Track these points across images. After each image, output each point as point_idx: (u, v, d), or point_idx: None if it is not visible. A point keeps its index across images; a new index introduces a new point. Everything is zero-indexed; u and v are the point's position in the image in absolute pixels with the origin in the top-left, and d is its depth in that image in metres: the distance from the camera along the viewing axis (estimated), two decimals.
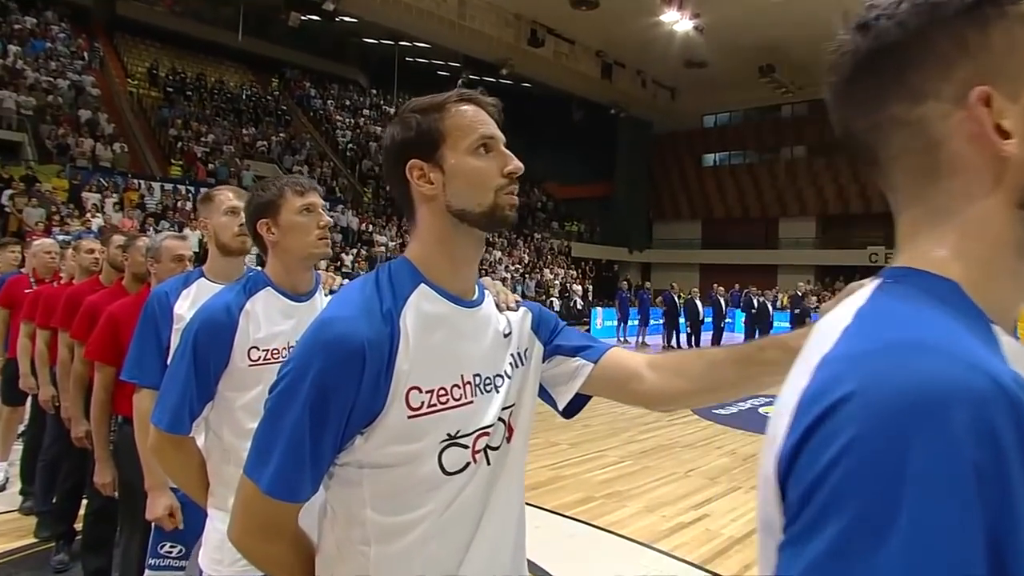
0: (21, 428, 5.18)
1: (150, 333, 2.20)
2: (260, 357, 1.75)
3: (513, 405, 1.20)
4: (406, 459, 1.05)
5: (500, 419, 1.16)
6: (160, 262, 2.67)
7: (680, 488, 5.56)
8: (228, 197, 2.26)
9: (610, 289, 28.89)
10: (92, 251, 3.99)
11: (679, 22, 24.14)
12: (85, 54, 22.97)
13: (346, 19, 25.56)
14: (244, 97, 26.85)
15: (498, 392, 1.17)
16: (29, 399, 4.44)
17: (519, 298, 1.35)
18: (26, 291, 4.71)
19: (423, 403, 1.06)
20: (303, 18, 22.96)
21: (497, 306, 1.26)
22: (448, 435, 1.08)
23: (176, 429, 1.68)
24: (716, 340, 17.21)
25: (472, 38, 24.68)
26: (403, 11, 22.48)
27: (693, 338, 17.69)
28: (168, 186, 18.43)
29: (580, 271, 27.34)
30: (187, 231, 13.59)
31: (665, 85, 32.98)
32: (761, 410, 9.24)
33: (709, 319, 18.19)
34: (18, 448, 4.93)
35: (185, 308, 2.18)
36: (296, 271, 1.85)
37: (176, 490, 2.19)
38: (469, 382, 1.12)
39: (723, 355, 1.22)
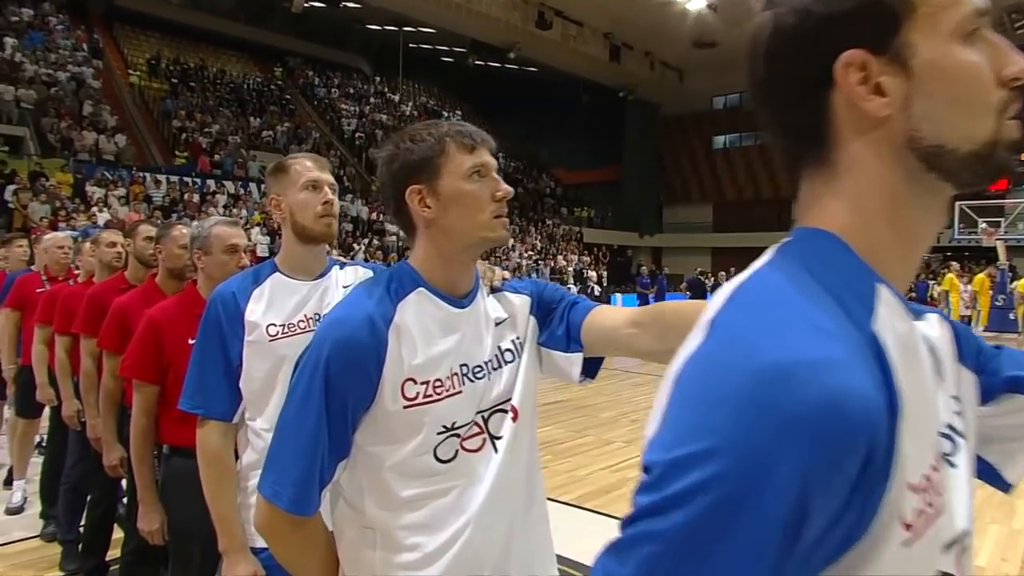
0: (38, 438, 4.74)
1: (214, 348, 1.75)
2: (418, 394, 1.16)
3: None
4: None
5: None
6: (210, 254, 2.20)
7: None
8: (307, 167, 1.80)
9: (624, 274, 28.47)
10: (114, 244, 3.53)
11: (691, 0, 23.61)
12: (84, 46, 22.41)
13: (349, 5, 25.04)
14: (247, 87, 26.31)
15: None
16: (47, 409, 3.98)
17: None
18: (38, 290, 4.26)
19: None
20: (306, 4, 22.43)
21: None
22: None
23: (302, 508, 1.12)
24: None
25: (479, 21, 24.15)
26: None
27: None
28: (174, 178, 17.94)
29: (593, 257, 26.86)
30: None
31: (673, 67, 32.42)
32: None
33: None
34: (36, 462, 4.49)
35: (259, 313, 1.75)
36: (459, 263, 1.26)
37: (260, 551, 1.71)
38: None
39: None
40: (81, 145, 17.60)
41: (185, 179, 18.13)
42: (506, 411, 1.23)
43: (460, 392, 1.18)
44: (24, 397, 4.23)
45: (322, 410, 1.10)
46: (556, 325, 1.33)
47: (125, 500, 3.10)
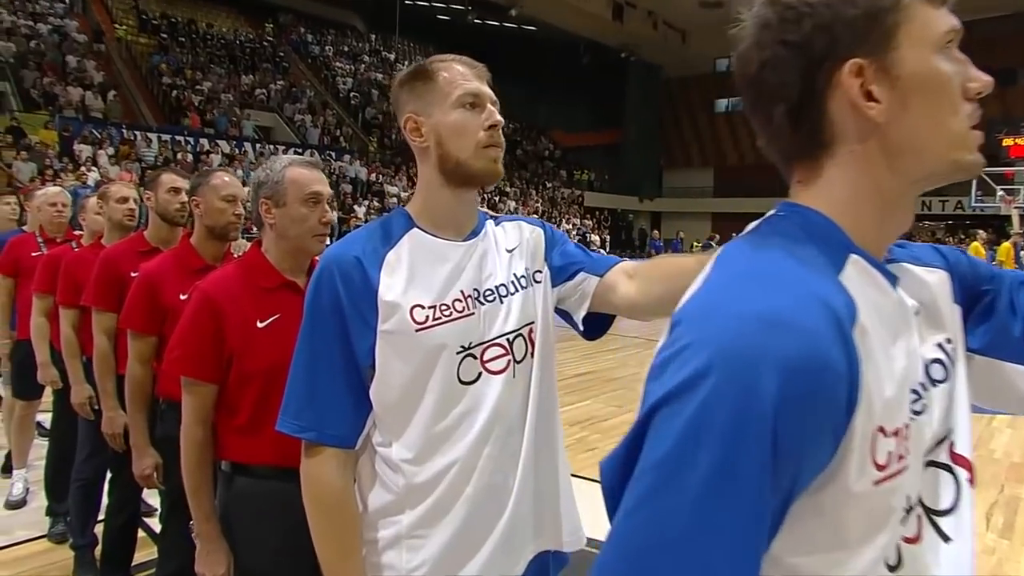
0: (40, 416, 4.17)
1: (329, 343, 1.17)
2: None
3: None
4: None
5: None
6: (284, 204, 1.64)
7: None
8: (461, 74, 1.22)
9: (626, 239, 27.94)
10: (126, 199, 2.93)
11: None
12: None
13: None
14: (238, 43, 25.30)
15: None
16: (50, 388, 3.42)
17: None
18: (34, 254, 3.66)
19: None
20: None
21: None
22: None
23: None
24: None
25: None
26: None
27: None
28: (166, 137, 17.15)
29: (595, 221, 26.31)
30: None
31: (676, 27, 31.59)
32: None
33: None
34: (39, 443, 3.93)
35: (398, 290, 1.17)
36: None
37: None
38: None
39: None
40: (66, 101, 16.75)
41: (177, 138, 17.35)
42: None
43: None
44: (21, 376, 3.64)
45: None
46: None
47: (159, 512, 2.57)
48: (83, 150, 14.69)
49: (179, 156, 16.13)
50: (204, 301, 1.64)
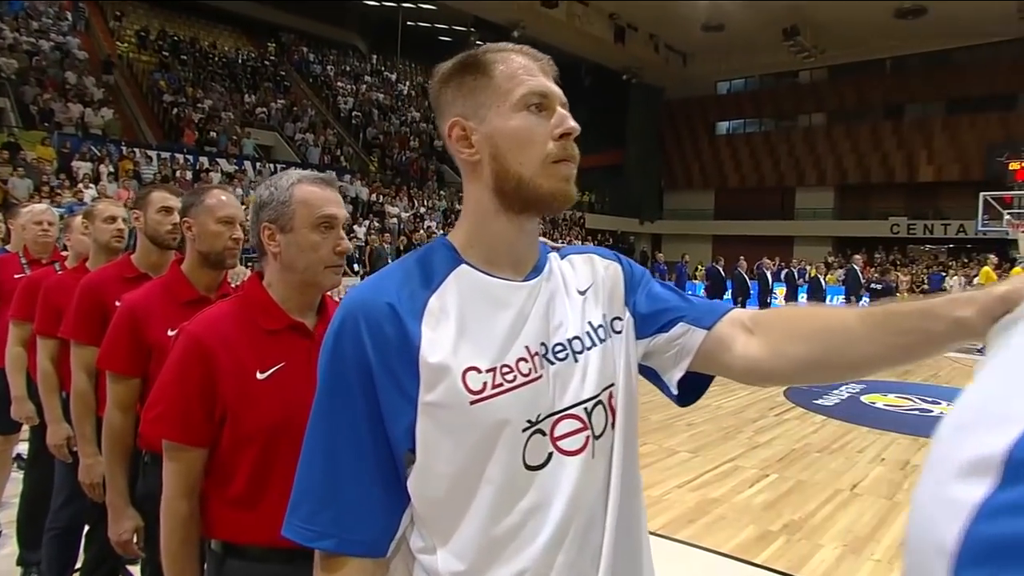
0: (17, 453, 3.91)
1: (354, 420, 0.90)
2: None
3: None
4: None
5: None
6: (291, 229, 1.40)
7: (861, 512, 4.38)
8: (520, 64, 0.99)
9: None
10: (114, 219, 2.70)
11: None
12: (68, 14, 21.27)
13: None
14: (240, 62, 25.23)
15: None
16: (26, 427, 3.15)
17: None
18: (16, 276, 3.41)
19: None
20: None
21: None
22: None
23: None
24: None
25: None
26: None
27: None
28: (165, 155, 16.96)
29: (597, 242, 26.11)
30: None
31: (678, 50, 31.68)
32: (863, 399, 8.10)
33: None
34: (16, 477, 3.67)
35: (446, 347, 0.89)
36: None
37: None
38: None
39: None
40: (66, 118, 16.58)
41: (177, 155, 17.17)
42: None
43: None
44: None
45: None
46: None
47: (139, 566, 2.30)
48: (81, 167, 14.48)
49: (178, 174, 15.92)
50: (192, 346, 1.36)
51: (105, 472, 1.96)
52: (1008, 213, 17.55)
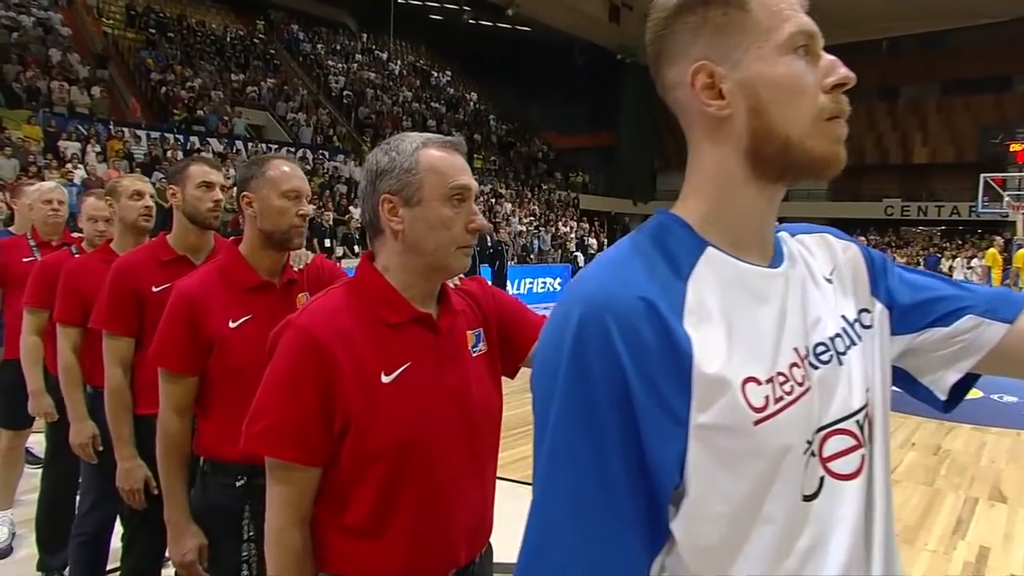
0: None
1: (613, 451, 0.67)
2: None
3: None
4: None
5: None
6: (420, 202, 1.15)
7: (906, 499, 4.23)
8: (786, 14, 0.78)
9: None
10: (141, 195, 2.46)
11: None
12: None
13: None
14: (228, 40, 24.69)
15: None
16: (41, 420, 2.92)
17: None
18: (25, 260, 3.16)
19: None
20: None
21: None
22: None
23: None
24: None
25: None
26: None
27: None
28: (155, 134, 16.55)
29: (591, 224, 25.92)
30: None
31: None
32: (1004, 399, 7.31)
33: None
34: (30, 472, 3.43)
35: (721, 352, 0.69)
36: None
37: None
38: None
39: None
40: (59, 97, 16.11)
41: (167, 135, 16.75)
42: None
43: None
44: (9, 403, 3.14)
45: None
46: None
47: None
48: (69, 147, 14.08)
49: (168, 154, 15.54)
50: (307, 344, 1.11)
51: (162, 486, 1.73)
52: (1008, 194, 17.49)
